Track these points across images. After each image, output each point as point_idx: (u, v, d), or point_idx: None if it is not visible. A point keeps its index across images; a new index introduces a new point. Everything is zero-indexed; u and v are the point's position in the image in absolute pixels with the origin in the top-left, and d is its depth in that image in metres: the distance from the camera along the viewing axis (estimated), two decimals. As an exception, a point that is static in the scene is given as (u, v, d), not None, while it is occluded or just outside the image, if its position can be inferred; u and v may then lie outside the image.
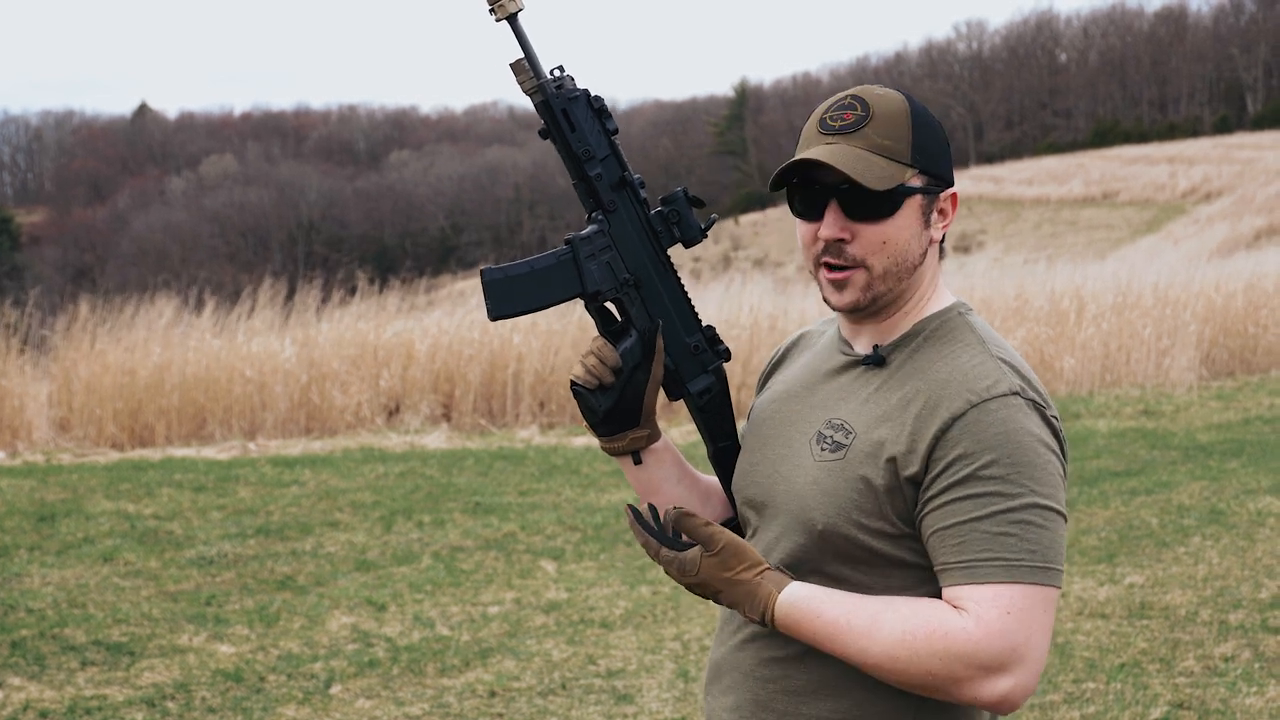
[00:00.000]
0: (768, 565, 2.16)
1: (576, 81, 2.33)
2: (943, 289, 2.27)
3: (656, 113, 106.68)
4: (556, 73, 2.33)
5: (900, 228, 2.18)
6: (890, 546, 2.13)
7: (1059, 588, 2.06)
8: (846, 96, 2.21)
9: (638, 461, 2.39)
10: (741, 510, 2.37)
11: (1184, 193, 59.30)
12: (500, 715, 5.86)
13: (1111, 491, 9.92)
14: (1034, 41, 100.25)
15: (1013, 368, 2.13)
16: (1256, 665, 6.16)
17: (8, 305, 13.82)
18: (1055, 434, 2.12)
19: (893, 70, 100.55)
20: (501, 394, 14.04)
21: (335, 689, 6.18)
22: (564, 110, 2.31)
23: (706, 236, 2.38)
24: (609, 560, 8.34)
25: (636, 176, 2.34)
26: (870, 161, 2.16)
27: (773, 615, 2.11)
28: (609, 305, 2.37)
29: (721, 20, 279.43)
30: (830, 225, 2.19)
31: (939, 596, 2.12)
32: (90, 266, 72.21)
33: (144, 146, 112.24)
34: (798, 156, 2.20)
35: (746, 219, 68.25)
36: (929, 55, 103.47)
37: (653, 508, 2.24)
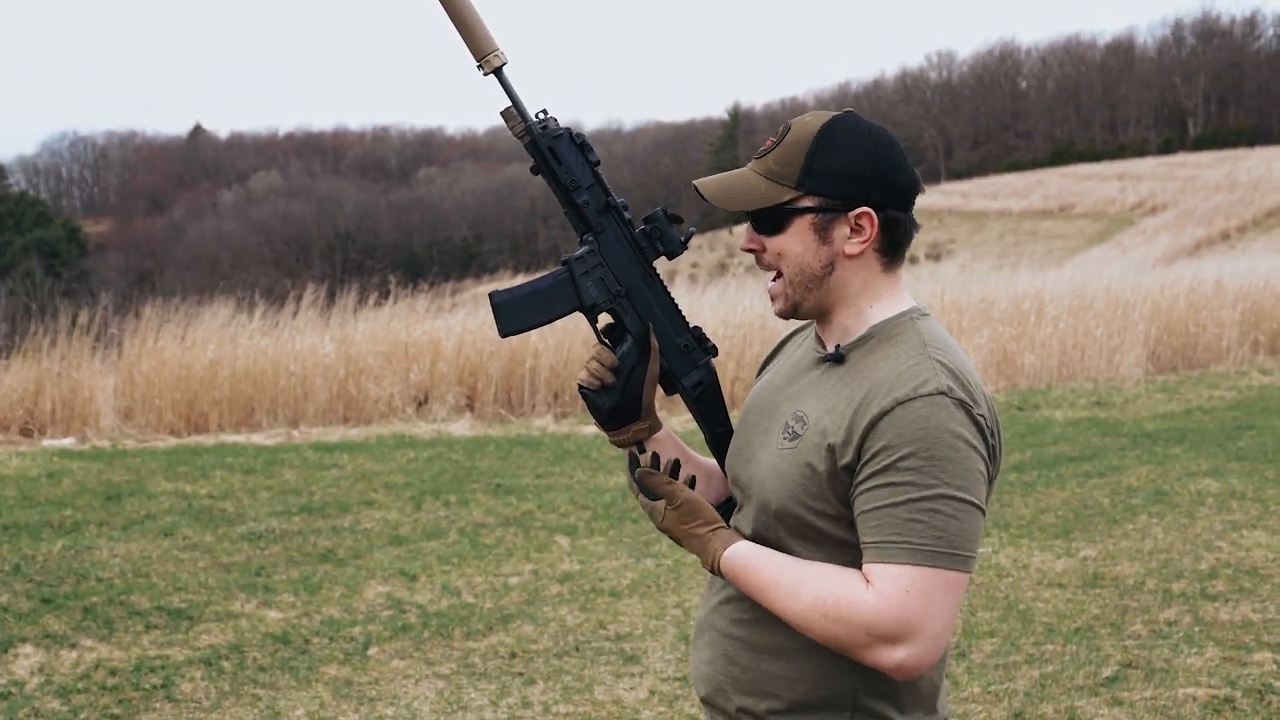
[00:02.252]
0: (722, 525, 2.24)
1: (559, 122, 2.38)
2: (899, 295, 2.25)
3: (658, 133, 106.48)
4: (541, 115, 2.37)
5: (791, 242, 2.20)
6: (832, 526, 2.15)
7: (964, 572, 2.05)
8: (785, 122, 2.25)
9: (641, 451, 2.42)
10: (731, 488, 2.40)
11: (1132, 206, 59.24)
12: (520, 674, 5.87)
13: (1067, 474, 9.93)
14: (998, 70, 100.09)
15: (947, 369, 2.11)
16: (1197, 629, 6.17)
17: (78, 307, 13.83)
18: (981, 432, 2.09)
19: (871, 95, 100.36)
20: (520, 386, 14.05)
21: (372, 650, 6.19)
22: (550, 148, 2.36)
23: (686, 248, 2.41)
24: (617, 536, 8.34)
25: (620, 200, 2.39)
26: (749, 184, 2.22)
27: (717, 565, 2.20)
28: (606, 315, 2.41)
29: (717, 49, 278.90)
30: (744, 237, 2.27)
31: None
32: (150, 271, 72.17)
33: (198, 163, 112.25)
34: (695, 181, 2.28)
35: (739, 229, 68.06)
36: (904, 82, 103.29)
37: (655, 456, 2.32)
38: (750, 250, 2.27)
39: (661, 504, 2.25)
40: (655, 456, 2.32)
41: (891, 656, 2.03)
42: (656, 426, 2.43)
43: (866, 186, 2.17)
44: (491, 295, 2.40)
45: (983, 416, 2.10)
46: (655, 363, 2.38)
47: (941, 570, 2.02)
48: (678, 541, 2.26)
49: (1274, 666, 5.62)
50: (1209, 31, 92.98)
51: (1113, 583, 7.01)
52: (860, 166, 2.17)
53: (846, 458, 2.10)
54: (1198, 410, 13.18)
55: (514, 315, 2.40)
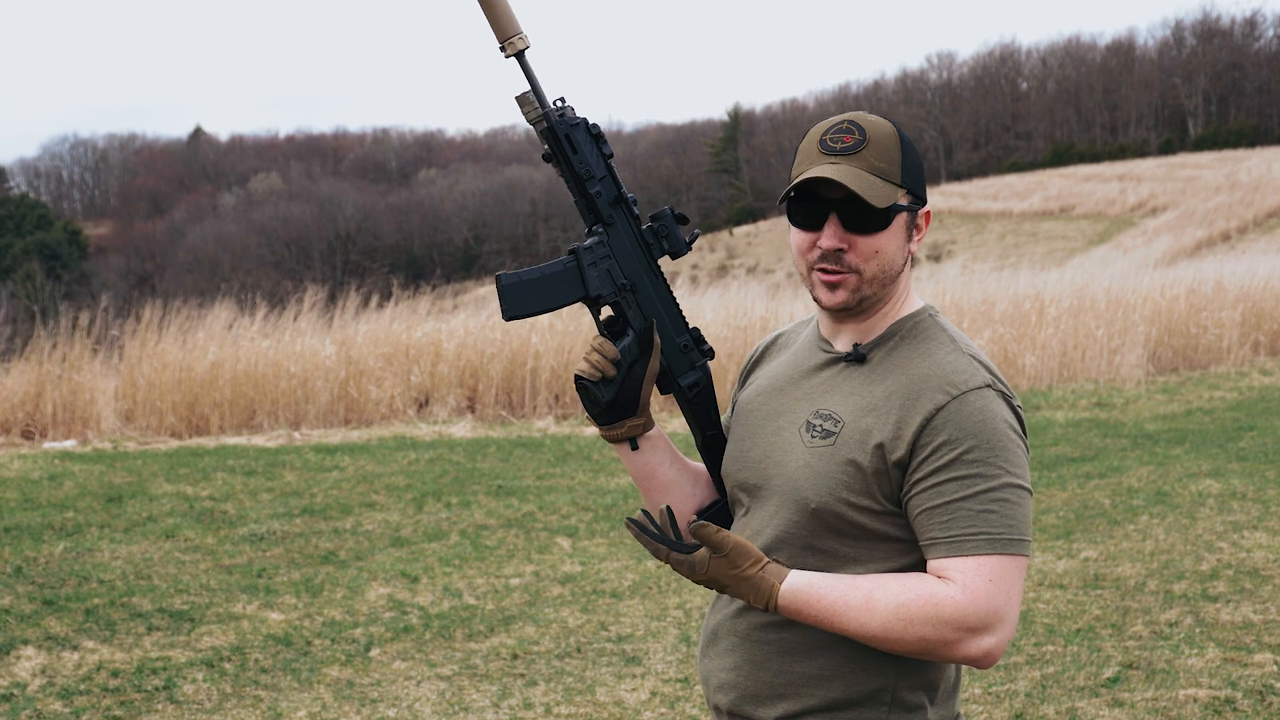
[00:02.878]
0: (768, 559, 2.18)
1: (576, 111, 2.37)
2: (913, 294, 2.31)
3: (659, 134, 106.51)
4: (559, 103, 2.37)
5: (890, 240, 2.22)
6: (875, 522, 2.17)
7: (1028, 556, 2.12)
8: (844, 121, 2.24)
9: (634, 447, 2.42)
10: (733, 493, 2.39)
11: (1132, 207, 59.26)
12: (522, 675, 5.87)
13: (1068, 475, 9.93)
14: (998, 71, 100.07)
15: (982, 364, 2.19)
16: (1198, 630, 6.17)
17: (79, 309, 13.84)
18: (1020, 421, 2.18)
19: (871, 97, 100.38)
20: (521, 388, 14.05)
21: (374, 652, 6.19)
22: (566, 135, 2.35)
23: (691, 249, 2.41)
24: (618, 537, 8.35)
25: (630, 195, 2.39)
26: (870, 181, 2.19)
27: (776, 603, 2.15)
28: (608, 308, 2.41)
29: (718, 51, 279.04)
30: (830, 236, 2.22)
31: (917, 567, 2.17)
32: (151, 274, 72.23)
33: (199, 166, 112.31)
34: (810, 174, 2.21)
35: (740, 231, 68.18)
36: (904, 83, 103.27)
37: (645, 513, 2.26)
38: (836, 249, 2.22)
39: (704, 553, 2.17)
40: (646, 514, 2.26)
41: (980, 646, 2.07)
42: (650, 424, 2.42)
43: (924, 187, 2.27)
44: (498, 277, 2.39)
45: (1019, 407, 2.19)
46: (656, 359, 2.37)
47: (1015, 557, 2.09)
48: (718, 589, 2.19)
49: (1275, 668, 5.63)
50: (1209, 32, 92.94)
51: (1114, 584, 7.02)
52: (921, 168, 2.27)
53: (898, 453, 2.13)
54: (1198, 411, 13.18)
55: (520, 300, 2.39)
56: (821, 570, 2.21)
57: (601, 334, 2.40)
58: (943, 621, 2.06)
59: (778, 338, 2.51)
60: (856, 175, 2.19)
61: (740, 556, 2.16)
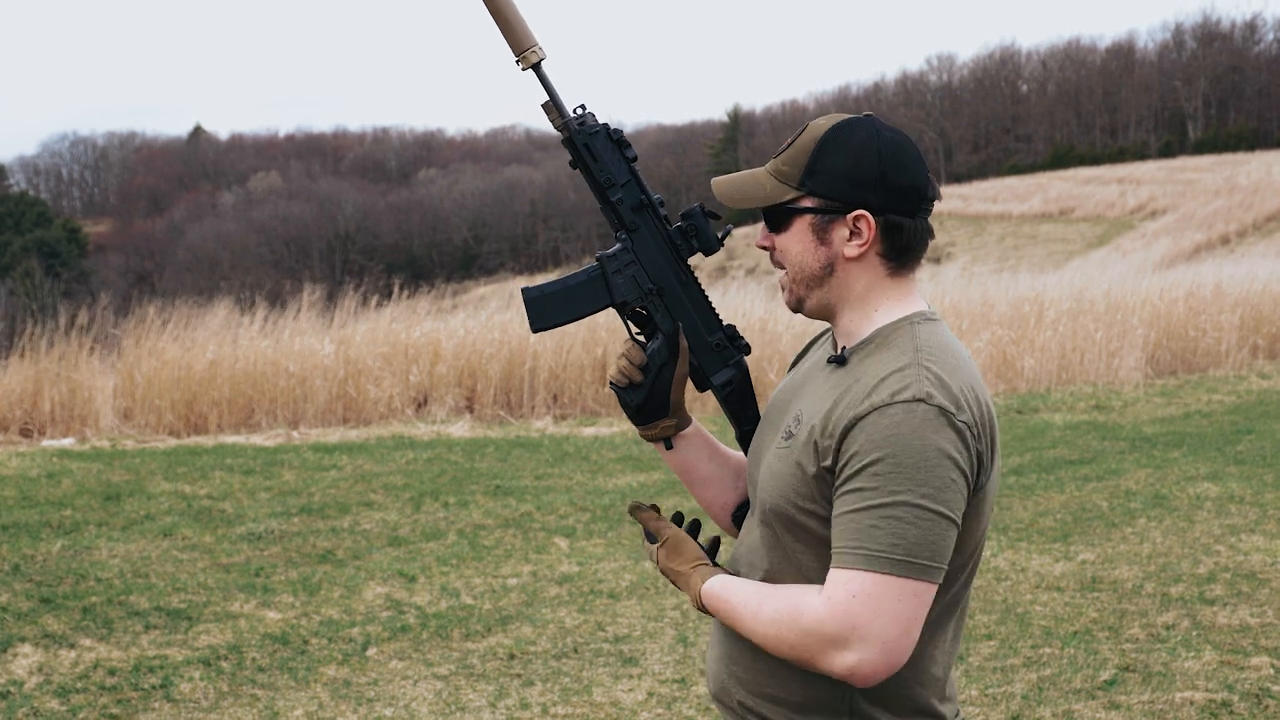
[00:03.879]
0: (705, 561, 2.27)
1: (596, 117, 2.38)
2: (907, 299, 2.24)
3: (659, 135, 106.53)
4: (579, 111, 2.38)
5: (792, 241, 2.22)
6: (822, 527, 2.14)
7: (924, 581, 2.02)
8: (805, 122, 2.27)
9: (669, 447, 2.47)
10: (748, 486, 2.41)
11: (1132, 210, 59.26)
12: (519, 675, 5.88)
13: (1066, 478, 9.93)
14: (998, 73, 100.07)
15: (932, 375, 2.08)
16: (1194, 633, 6.18)
17: (77, 307, 13.85)
18: (962, 439, 2.06)
19: (871, 98, 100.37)
20: (519, 388, 14.06)
21: (371, 651, 6.19)
22: (586, 145, 2.37)
23: (723, 245, 2.42)
24: (616, 538, 8.35)
25: (656, 197, 2.40)
26: (757, 183, 2.23)
27: (699, 601, 2.23)
28: (638, 312, 2.43)
29: (718, 52, 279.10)
30: (761, 235, 2.29)
31: None
32: (150, 272, 72.23)
33: (198, 164, 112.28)
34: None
35: (740, 232, 68.10)
36: (904, 85, 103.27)
37: (678, 516, 2.37)
38: (763, 247, 2.28)
39: (656, 545, 2.31)
40: (655, 507, 2.38)
41: (842, 661, 2.02)
42: (685, 423, 2.46)
43: (865, 189, 2.16)
44: (524, 291, 2.43)
45: (965, 424, 2.06)
46: (684, 361, 2.40)
47: (895, 578, 2.00)
48: (672, 581, 2.30)
49: (1271, 671, 5.63)
50: (1209, 35, 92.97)
51: (1111, 586, 7.02)
52: (862, 170, 2.16)
53: (827, 460, 2.11)
54: (1196, 414, 13.19)
55: (546, 311, 2.43)
56: (782, 571, 2.21)
57: (632, 339, 2.43)
58: (803, 631, 2.05)
59: (821, 336, 2.50)
60: (746, 178, 2.26)
61: (675, 551, 2.29)
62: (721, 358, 2.45)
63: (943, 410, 2.05)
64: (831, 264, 2.21)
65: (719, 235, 2.41)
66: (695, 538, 2.37)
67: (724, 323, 2.46)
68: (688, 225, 2.41)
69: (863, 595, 2.00)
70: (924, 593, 2.03)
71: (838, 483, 2.08)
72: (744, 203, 2.25)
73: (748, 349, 2.46)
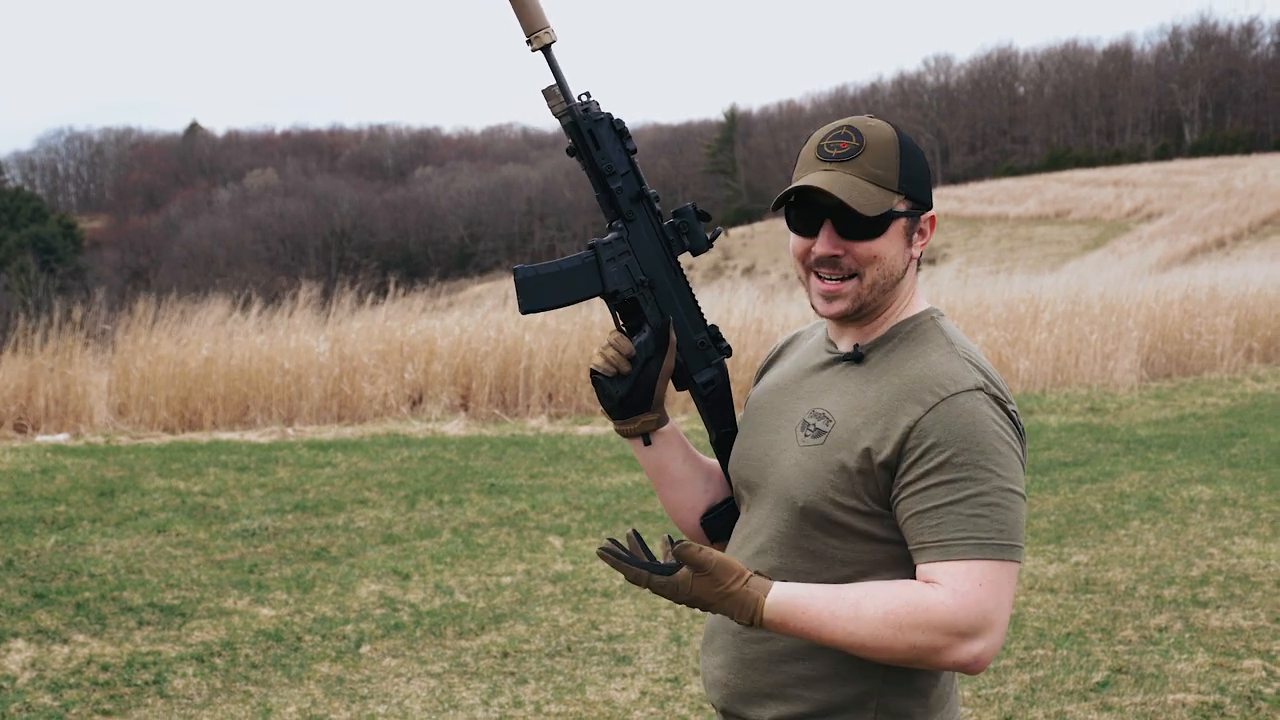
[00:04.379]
0: (751, 573, 2.13)
1: (601, 106, 2.38)
2: (919, 297, 2.30)
3: (655, 135, 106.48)
4: (584, 98, 2.37)
5: (887, 246, 2.22)
6: (862, 522, 2.16)
7: (1020, 562, 2.10)
8: (843, 126, 2.23)
9: (647, 443, 2.44)
10: (736, 489, 2.40)
11: (1128, 213, 59.30)
12: (512, 673, 5.88)
13: (1060, 480, 9.95)
14: (995, 75, 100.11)
15: (976, 366, 2.17)
16: (1187, 635, 6.19)
17: (73, 303, 13.85)
18: (1015, 425, 2.15)
19: (868, 99, 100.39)
20: (514, 387, 14.06)
21: (365, 648, 6.20)
22: (590, 131, 2.36)
23: (713, 246, 2.42)
24: (610, 536, 8.34)
25: (652, 191, 2.39)
26: (863, 188, 2.18)
27: (761, 618, 2.10)
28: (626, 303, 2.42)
29: (715, 51, 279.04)
30: (824, 243, 2.22)
31: (904, 568, 2.16)
32: (145, 268, 72.12)
33: (194, 161, 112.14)
34: (800, 182, 2.21)
35: (736, 232, 68.14)
36: (901, 86, 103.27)
37: (614, 541, 2.17)
38: (831, 255, 2.22)
39: (685, 574, 2.10)
40: (634, 536, 2.18)
41: (970, 650, 2.05)
42: (664, 420, 2.44)
43: (929, 192, 2.26)
44: (515, 270, 2.41)
45: (1014, 412, 2.17)
46: (671, 356, 2.39)
47: (1005, 563, 2.07)
48: (703, 608, 2.13)
49: (1263, 673, 5.64)
50: (1206, 39, 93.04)
51: (1104, 588, 7.03)
52: (926, 173, 2.26)
53: (884, 454, 2.12)
54: (1191, 417, 13.21)
55: (536, 293, 2.40)
56: (811, 570, 2.20)
57: (618, 329, 2.41)
58: (932, 627, 2.04)
59: (796, 336, 2.51)
60: (849, 183, 2.19)
61: (723, 574, 2.10)
62: (705, 357, 2.44)
63: (998, 399, 2.14)
64: (907, 265, 2.26)
65: (709, 236, 2.41)
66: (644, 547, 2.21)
67: (708, 323, 2.46)
68: (680, 223, 2.40)
69: (987, 584, 2.06)
70: (1017, 571, 2.11)
71: (909, 476, 2.11)
72: (870, 208, 2.17)
73: (729, 351, 2.47)
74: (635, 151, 2.39)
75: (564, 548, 8.09)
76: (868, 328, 2.27)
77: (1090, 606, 6.70)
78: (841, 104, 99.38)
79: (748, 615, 2.10)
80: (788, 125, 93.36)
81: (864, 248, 2.21)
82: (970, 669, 2.08)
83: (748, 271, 50.49)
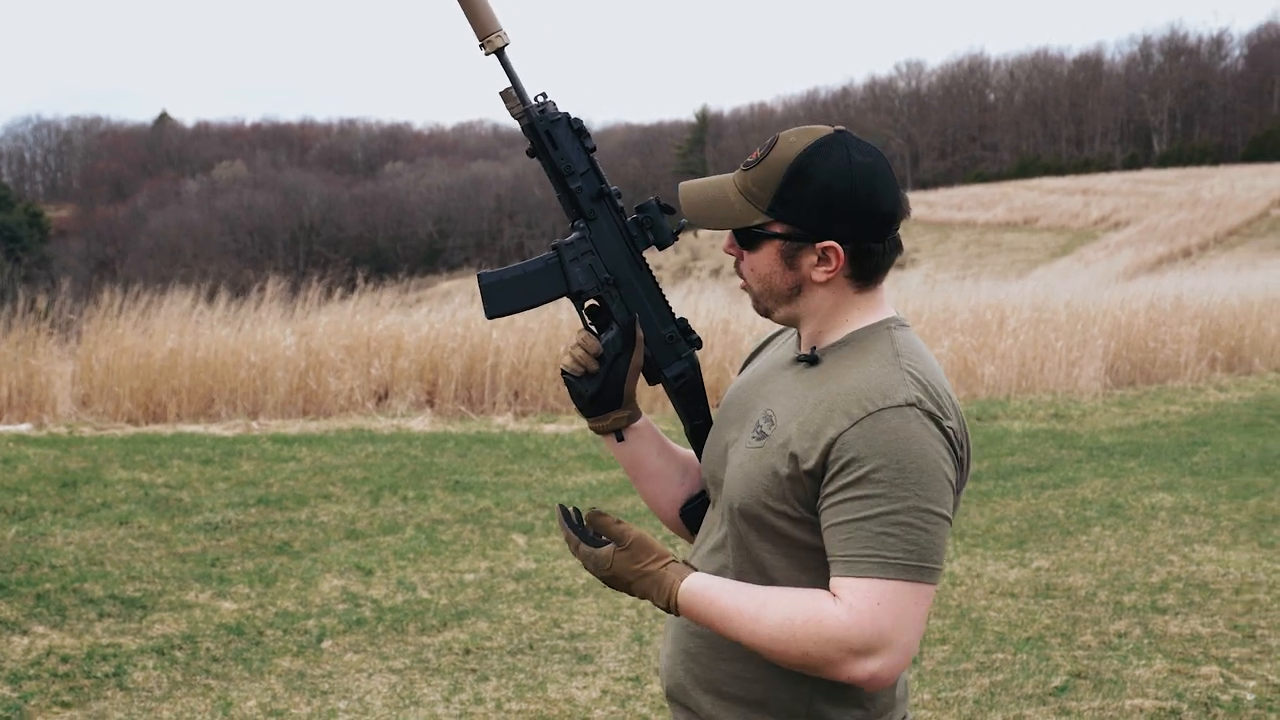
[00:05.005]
0: (673, 558, 2.19)
1: (558, 106, 2.38)
2: (877, 308, 2.25)
3: (626, 134, 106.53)
4: (540, 99, 2.37)
5: (761, 261, 2.22)
6: (793, 528, 2.15)
7: (932, 584, 2.06)
8: (775, 135, 2.23)
9: (620, 439, 2.45)
10: (706, 483, 2.41)
11: (1096, 221, 59.68)
12: (474, 670, 5.88)
13: (1023, 485, 9.99)
14: (966, 82, 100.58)
15: (917, 380, 2.11)
16: (1146, 641, 6.23)
17: (38, 292, 13.77)
18: (950, 443, 2.10)
19: (839, 103, 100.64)
20: (480, 384, 14.04)
21: (326, 644, 6.19)
22: (547, 132, 2.36)
23: (678, 239, 2.42)
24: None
25: (614, 188, 2.39)
26: (728, 202, 2.22)
27: (675, 602, 2.15)
28: (593, 302, 2.42)
29: (687, 52, 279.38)
30: (726, 243, 2.28)
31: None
32: (112, 259, 71.71)
33: (163, 151, 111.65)
34: (682, 185, 2.30)
35: (704, 233, 68.22)
36: (872, 91, 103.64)
37: (578, 510, 2.27)
38: (730, 253, 2.28)
39: (609, 548, 2.19)
40: (578, 511, 2.28)
41: (865, 669, 2.03)
42: (636, 415, 2.45)
43: (836, 220, 2.16)
44: (480, 276, 2.41)
45: (951, 428, 2.10)
46: (639, 352, 2.39)
47: (912, 583, 2.03)
48: (625, 588, 2.19)
49: (1220, 680, 5.69)
50: (1176, 50, 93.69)
51: (1064, 593, 7.07)
52: (832, 199, 2.15)
53: (810, 464, 2.09)
54: (1154, 425, 13.29)
55: (501, 298, 2.41)
56: (754, 571, 2.20)
57: (586, 329, 2.42)
58: (824, 640, 2.03)
59: (781, 332, 2.49)
60: (715, 190, 2.25)
61: (642, 551, 2.17)
62: (674, 351, 2.44)
63: (931, 415, 2.08)
64: (799, 286, 2.22)
65: (673, 230, 2.41)
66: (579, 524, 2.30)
67: (677, 316, 2.46)
68: (643, 218, 2.40)
69: (885, 603, 2.02)
70: (930, 594, 2.06)
71: (830, 488, 2.08)
72: (711, 223, 2.23)
73: (699, 343, 2.46)
74: (594, 150, 2.38)
75: (527, 545, 8.09)
76: (820, 332, 2.25)
77: (1050, 611, 6.74)
78: (813, 107, 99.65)
79: (664, 598, 2.16)
80: (759, 127, 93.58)
81: (747, 258, 2.24)
82: (867, 686, 2.05)
83: (715, 272, 50.54)
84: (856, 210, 2.15)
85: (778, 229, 2.18)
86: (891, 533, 2.02)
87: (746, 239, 2.22)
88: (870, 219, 2.17)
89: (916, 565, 2.03)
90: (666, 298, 2.45)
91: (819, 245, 2.17)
